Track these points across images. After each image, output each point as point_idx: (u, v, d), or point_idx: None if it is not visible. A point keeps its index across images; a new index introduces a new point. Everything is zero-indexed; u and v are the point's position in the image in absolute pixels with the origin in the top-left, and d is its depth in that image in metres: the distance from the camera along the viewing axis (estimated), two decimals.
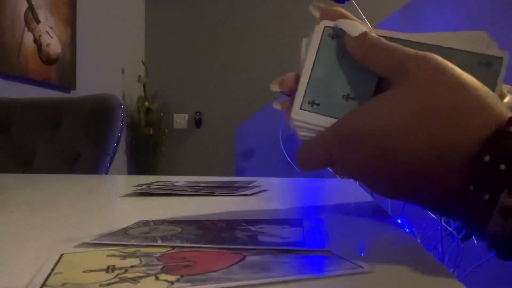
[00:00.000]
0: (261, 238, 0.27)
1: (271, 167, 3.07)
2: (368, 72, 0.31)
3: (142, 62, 3.46)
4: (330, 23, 0.33)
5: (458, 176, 0.26)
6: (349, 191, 0.62)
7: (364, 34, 0.31)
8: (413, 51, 0.28)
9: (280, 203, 0.49)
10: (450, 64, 0.27)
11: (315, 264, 0.23)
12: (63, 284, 0.19)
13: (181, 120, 3.44)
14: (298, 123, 0.32)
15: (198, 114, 3.40)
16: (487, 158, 0.24)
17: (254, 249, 0.24)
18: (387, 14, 2.61)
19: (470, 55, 0.30)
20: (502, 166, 0.23)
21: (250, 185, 0.58)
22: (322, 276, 0.20)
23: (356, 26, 0.31)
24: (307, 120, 0.31)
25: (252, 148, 3.22)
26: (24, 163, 1.30)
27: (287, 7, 3.24)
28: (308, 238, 0.27)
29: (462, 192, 0.25)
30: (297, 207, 0.46)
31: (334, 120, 0.30)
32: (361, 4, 1.80)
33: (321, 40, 0.32)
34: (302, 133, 0.32)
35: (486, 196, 0.24)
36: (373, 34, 0.31)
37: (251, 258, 0.22)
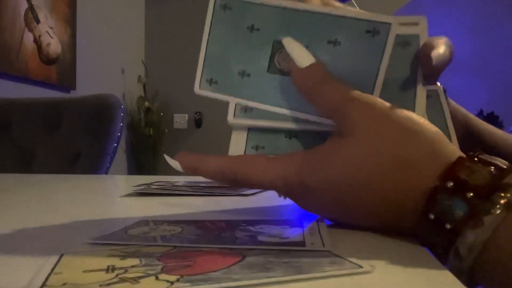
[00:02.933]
0: (261, 238, 0.27)
1: None
2: (262, 46, 0.29)
3: (142, 62, 3.47)
4: None
5: (413, 227, 0.27)
6: None
7: (313, 66, 0.28)
8: (355, 94, 0.27)
9: (279, 203, 0.49)
10: (393, 110, 0.27)
11: (315, 264, 0.23)
12: (63, 284, 0.19)
13: (181, 120, 3.44)
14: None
15: (198, 114, 3.40)
16: (431, 217, 0.25)
17: (254, 249, 0.24)
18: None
19: (357, 22, 0.28)
20: (447, 226, 0.24)
21: None
22: (322, 276, 0.20)
23: (305, 54, 0.29)
24: (209, 96, 0.30)
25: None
26: (24, 163, 1.30)
27: None
28: (308, 238, 0.27)
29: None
30: (297, 207, 0.46)
31: (234, 98, 0.29)
32: (361, 4, 1.80)
33: (213, 13, 0.30)
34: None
35: (440, 250, 0.25)
36: (321, 69, 0.28)
37: (251, 258, 0.22)
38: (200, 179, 0.71)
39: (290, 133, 0.30)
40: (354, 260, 0.22)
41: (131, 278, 0.19)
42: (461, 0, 2.45)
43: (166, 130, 3.36)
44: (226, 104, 0.31)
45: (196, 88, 0.30)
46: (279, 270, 0.21)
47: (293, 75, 0.29)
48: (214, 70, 0.30)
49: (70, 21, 2.61)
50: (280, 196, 0.31)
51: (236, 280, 0.19)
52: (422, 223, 0.25)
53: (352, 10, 0.29)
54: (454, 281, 0.20)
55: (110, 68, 3.09)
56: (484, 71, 2.64)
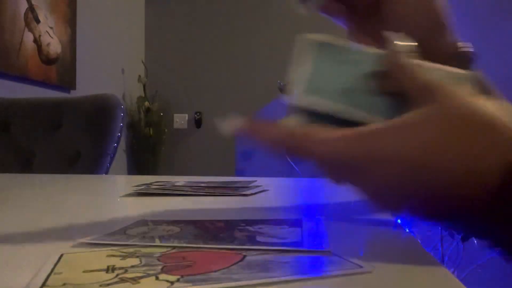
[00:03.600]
0: (259, 238, 0.27)
1: (271, 167, 3.07)
2: (364, 75, 0.31)
3: (142, 62, 3.46)
4: (317, 37, 0.33)
5: (490, 190, 0.26)
6: (349, 191, 0.62)
7: (411, 45, 0.31)
8: (444, 82, 0.29)
9: (280, 203, 0.49)
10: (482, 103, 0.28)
11: (315, 264, 0.23)
12: (63, 284, 0.19)
13: (181, 120, 3.44)
14: (298, 109, 0.32)
15: (198, 114, 3.40)
16: None
17: (253, 249, 0.24)
18: None
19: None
20: None
21: (250, 185, 0.58)
22: (322, 276, 0.20)
23: (402, 42, 0.32)
24: (312, 105, 0.31)
25: (252, 148, 3.22)
26: (24, 163, 1.30)
27: (287, 9, 3.24)
28: (307, 239, 0.27)
29: (491, 205, 0.26)
30: (297, 207, 0.46)
31: (337, 105, 0.31)
32: None
33: (312, 48, 0.33)
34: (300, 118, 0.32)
35: None
36: (412, 51, 0.31)
37: (251, 258, 0.22)
38: (200, 179, 0.71)
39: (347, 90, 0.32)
40: (354, 260, 0.22)
41: (131, 278, 0.19)
42: (462, 1, 2.45)
43: (166, 130, 3.36)
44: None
45: (300, 96, 0.32)
46: (279, 270, 0.21)
47: (389, 54, 0.31)
48: (315, 86, 0.32)
49: (70, 21, 2.61)
50: (329, 178, 0.30)
51: (235, 280, 0.19)
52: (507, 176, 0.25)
53: None
54: (453, 281, 0.20)
55: (110, 68, 3.09)
56: (484, 70, 2.62)
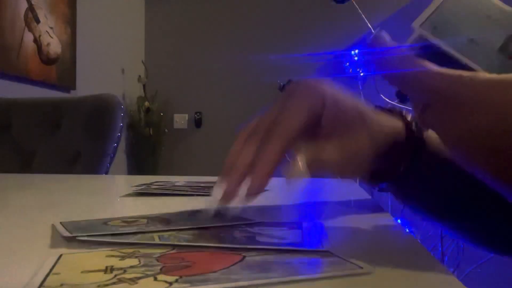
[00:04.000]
0: (259, 238, 0.27)
1: None
2: (496, 29, 0.31)
3: (142, 62, 3.46)
4: None
5: None
6: (349, 191, 0.62)
7: None
8: None
9: (280, 203, 0.49)
10: None
11: (314, 264, 0.23)
12: (61, 285, 0.19)
13: (181, 120, 3.44)
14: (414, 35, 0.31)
15: (198, 114, 3.40)
16: None
17: (253, 249, 0.24)
18: (387, 14, 2.61)
19: None
20: None
21: None
22: (322, 277, 0.20)
23: None
24: (424, 37, 0.31)
25: None
26: (24, 163, 1.30)
27: (287, 8, 3.24)
28: (307, 239, 0.27)
29: None
30: (297, 207, 0.46)
31: (450, 50, 0.30)
32: (361, 4, 1.80)
33: None
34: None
35: None
36: None
37: (250, 258, 0.22)
38: (200, 179, 0.71)
39: (473, 39, 0.31)
40: (354, 260, 0.22)
41: (129, 279, 0.19)
42: None
43: (166, 130, 3.35)
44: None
45: (417, 23, 0.31)
46: (279, 271, 0.21)
47: None
48: (443, 22, 0.31)
49: (70, 21, 2.61)
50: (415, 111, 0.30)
51: (235, 280, 0.19)
52: None
53: None
54: (454, 281, 0.20)
55: (110, 68, 3.09)
56: None
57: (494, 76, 0.27)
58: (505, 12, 0.32)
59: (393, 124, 0.37)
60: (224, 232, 0.29)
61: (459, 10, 0.32)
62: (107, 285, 0.19)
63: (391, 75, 0.30)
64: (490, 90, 0.26)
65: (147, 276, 0.20)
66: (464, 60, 0.31)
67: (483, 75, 0.27)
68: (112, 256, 0.23)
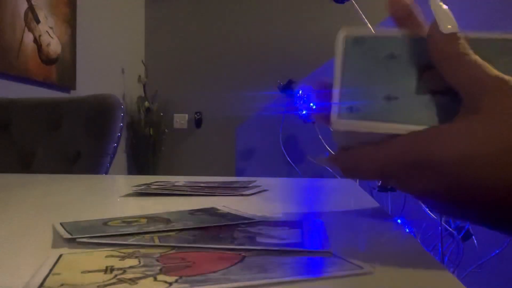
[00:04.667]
0: (259, 239, 0.27)
1: (271, 167, 3.07)
2: (406, 71, 0.29)
3: (142, 62, 3.46)
4: (350, 31, 0.31)
5: None
6: (349, 191, 0.62)
7: (456, 35, 0.28)
8: (497, 74, 0.26)
9: (280, 203, 0.49)
10: None
11: (315, 265, 0.23)
12: (61, 285, 0.19)
13: (181, 120, 3.44)
14: (340, 133, 0.30)
15: (198, 114, 3.40)
16: None
17: (253, 249, 0.24)
18: (387, 14, 2.60)
19: None
20: None
21: (250, 185, 0.58)
22: (322, 277, 0.20)
23: (450, 19, 0.28)
24: (350, 129, 0.29)
25: (252, 148, 3.22)
26: (24, 163, 1.30)
27: (287, 8, 3.24)
28: (307, 239, 0.27)
29: None
30: (297, 207, 0.46)
31: (382, 124, 0.29)
32: (361, 4, 1.80)
33: (344, 47, 0.31)
34: (343, 142, 0.30)
35: None
36: (463, 38, 0.28)
37: (250, 259, 0.22)
38: (200, 179, 0.71)
39: (389, 95, 0.29)
40: (354, 261, 0.22)
41: (129, 279, 0.19)
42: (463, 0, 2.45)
43: (166, 130, 3.36)
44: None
45: (335, 119, 0.30)
46: (279, 271, 0.21)
47: (432, 37, 0.28)
48: (354, 99, 0.30)
49: (70, 21, 2.61)
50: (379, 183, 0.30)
51: (235, 281, 0.19)
52: None
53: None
54: (453, 281, 0.20)
55: (110, 68, 3.09)
56: None
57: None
58: (400, 41, 0.30)
59: None
60: (224, 232, 0.29)
61: (360, 63, 0.30)
62: (107, 285, 0.19)
63: None
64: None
65: (147, 276, 0.20)
66: (392, 130, 0.29)
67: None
68: (112, 256, 0.23)
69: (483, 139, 0.25)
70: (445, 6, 0.28)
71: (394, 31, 0.30)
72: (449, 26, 0.28)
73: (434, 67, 0.28)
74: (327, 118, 0.30)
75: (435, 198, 0.28)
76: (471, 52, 0.27)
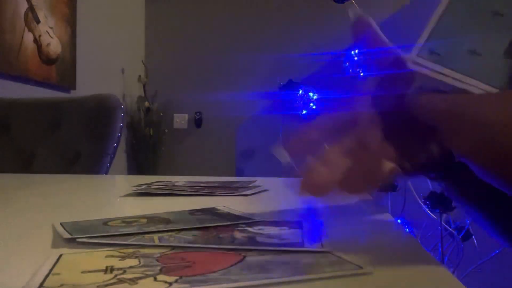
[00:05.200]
0: (259, 239, 0.27)
1: (271, 167, 3.07)
2: (503, 31, 0.29)
3: (142, 62, 3.46)
4: None
5: None
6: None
7: None
8: None
9: (280, 203, 0.49)
10: None
11: (315, 265, 0.23)
12: (61, 285, 0.19)
13: (181, 120, 3.44)
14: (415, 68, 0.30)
15: (198, 114, 3.40)
16: None
17: (253, 249, 0.24)
18: (387, 14, 2.61)
19: None
20: None
21: (250, 185, 0.58)
22: (322, 277, 0.20)
23: None
24: (423, 67, 0.29)
25: (252, 148, 3.22)
26: (24, 163, 1.30)
27: (287, 8, 3.24)
28: (307, 239, 0.27)
29: None
30: (297, 207, 0.46)
31: (456, 74, 0.28)
32: (361, 4, 1.80)
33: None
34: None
35: None
36: None
37: (250, 259, 0.22)
38: (200, 179, 0.71)
39: (475, 50, 0.29)
40: (354, 261, 0.22)
41: (129, 279, 0.19)
42: None
43: (166, 130, 3.36)
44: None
45: (414, 55, 0.29)
46: (278, 271, 0.21)
47: None
48: (440, 43, 0.30)
49: (70, 21, 2.61)
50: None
51: (235, 281, 0.19)
52: None
53: None
54: (454, 281, 0.20)
55: (110, 68, 3.09)
56: None
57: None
58: None
59: None
60: (224, 232, 0.29)
61: (462, 11, 0.30)
62: (107, 285, 0.19)
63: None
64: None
65: (147, 276, 0.20)
66: (462, 84, 0.29)
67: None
68: (112, 256, 0.23)
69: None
70: None
71: None
72: None
73: None
74: None
75: (480, 162, 0.27)
76: None
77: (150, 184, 0.59)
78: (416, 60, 0.30)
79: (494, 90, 0.28)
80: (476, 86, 0.29)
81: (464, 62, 0.29)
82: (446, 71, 0.29)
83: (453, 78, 0.29)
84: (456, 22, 0.30)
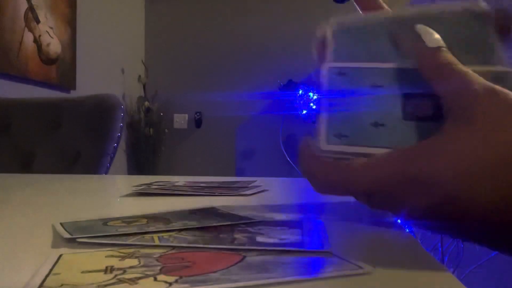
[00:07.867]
0: (259, 239, 0.27)
1: (271, 167, 3.07)
2: (391, 99, 0.30)
3: (142, 62, 3.47)
4: (334, 64, 0.32)
5: None
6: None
7: (443, 49, 0.29)
8: (486, 84, 0.26)
9: (280, 203, 0.49)
10: None
11: (315, 265, 0.23)
12: (61, 285, 0.19)
13: (181, 120, 3.44)
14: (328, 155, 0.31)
15: (198, 114, 3.40)
16: None
17: (253, 249, 0.24)
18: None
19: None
20: None
21: (250, 185, 0.58)
22: (322, 277, 0.20)
23: (436, 37, 0.30)
24: (338, 152, 0.30)
25: (252, 148, 3.22)
26: (24, 163, 1.30)
27: (288, 8, 3.24)
28: (307, 239, 0.27)
29: None
30: (297, 207, 0.46)
31: (369, 149, 0.29)
32: None
33: (329, 79, 0.32)
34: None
35: None
36: (447, 52, 0.29)
37: (250, 259, 0.22)
38: (200, 179, 0.71)
39: (376, 122, 0.30)
40: (354, 261, 0.22)
41: (129, 279, 0.19)
42: None
43: (166, 130, 3.36)
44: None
45: (323, 144, 0.30)
46: (278, 271, 0.21)
47: (420, 52, 0.29)
48: (342, 126, 0.31)
49: (70, 21, 2.61)
50: (365, 204, 0.29)
51: (235, 281, 0.19)
52: None
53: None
54: (454, 282, 0.20)
55: (110, 68, 3.09)
56: None
57: None
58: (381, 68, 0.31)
59: None
60: (224, 232, 0.29)
61: (346, 99, 0.31)
62: (107, 285, 0.19)
63: None
64: None
65: (147, 276, 0.20)
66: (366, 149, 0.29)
67: None
68: (112, 256, 0.23)
69: (477, 150, 0.24)
70: (430, 29, 0.30)
71: (375, 63, 0.32)
72: (435, 38, 0.30)
73: (418, 95, 0.29)
74: None
75: (426, 215, 0.27)
76: (458, 62, 0.28)
77: (150, 184, 0.59)
78: (330, 147, 0.30)
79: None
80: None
81: (373, 135, 0.30)
82: (362, 149, 0.29)
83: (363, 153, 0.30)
84: (346, 103, 0.31)
